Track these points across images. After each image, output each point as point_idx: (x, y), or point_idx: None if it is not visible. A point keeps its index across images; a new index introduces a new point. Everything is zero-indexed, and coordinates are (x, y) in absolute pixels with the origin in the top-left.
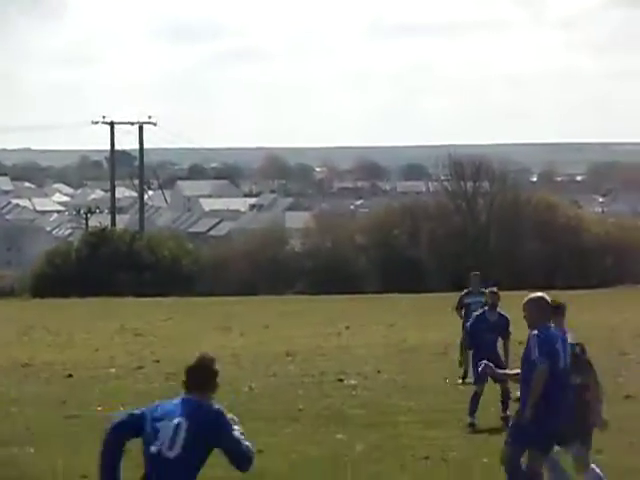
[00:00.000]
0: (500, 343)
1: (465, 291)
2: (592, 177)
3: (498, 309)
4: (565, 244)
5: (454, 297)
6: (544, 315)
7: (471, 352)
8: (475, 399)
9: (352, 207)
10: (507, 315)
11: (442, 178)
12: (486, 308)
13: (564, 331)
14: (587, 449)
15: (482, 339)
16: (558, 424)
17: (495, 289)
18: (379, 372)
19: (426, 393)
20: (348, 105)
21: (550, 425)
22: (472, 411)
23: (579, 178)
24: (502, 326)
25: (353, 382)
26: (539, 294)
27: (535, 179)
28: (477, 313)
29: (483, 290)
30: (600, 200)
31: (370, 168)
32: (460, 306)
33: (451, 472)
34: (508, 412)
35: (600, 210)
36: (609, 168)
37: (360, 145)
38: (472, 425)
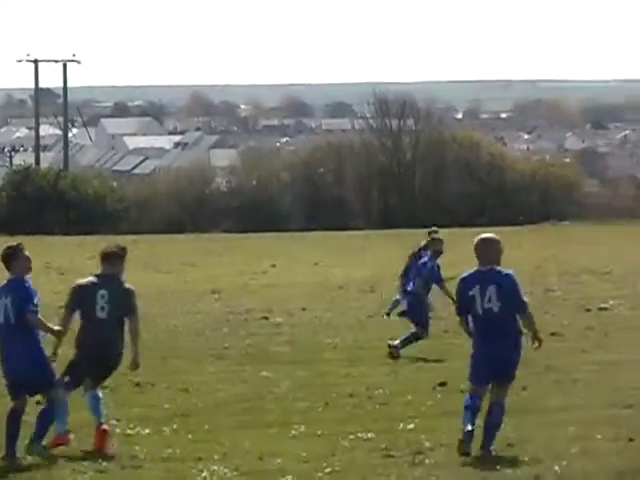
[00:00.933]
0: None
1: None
2: (517, 114)
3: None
4: (490, 181)
5: (379, 235)
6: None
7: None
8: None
9: (277, 145)
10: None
11: (367, 116)
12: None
13: None
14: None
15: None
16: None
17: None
18: (304, 310)
19: (351, 330)
20: (273, 42)
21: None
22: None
23: (504, 115)
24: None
25: (279, 320)
26: (490, 235)
27: (460, 116)
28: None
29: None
30: (525, 137)
31: (296, 106)
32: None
33: (375, 409)
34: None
35: (525, 147)
36: (534, 105)
37: (285, 82)
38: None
